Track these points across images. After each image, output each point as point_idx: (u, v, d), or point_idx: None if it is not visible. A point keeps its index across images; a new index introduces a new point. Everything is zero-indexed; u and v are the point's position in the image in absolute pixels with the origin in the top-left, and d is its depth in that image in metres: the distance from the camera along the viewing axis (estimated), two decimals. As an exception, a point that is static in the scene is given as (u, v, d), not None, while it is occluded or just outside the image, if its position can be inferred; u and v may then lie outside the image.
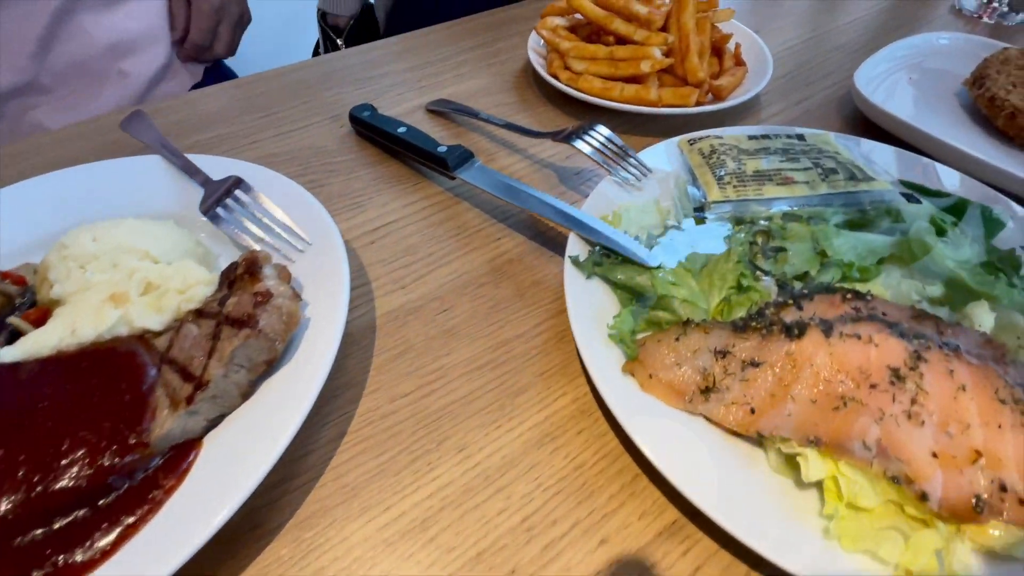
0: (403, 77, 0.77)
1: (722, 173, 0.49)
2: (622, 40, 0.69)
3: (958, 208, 0.47)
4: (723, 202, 0.47)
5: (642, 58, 0.66)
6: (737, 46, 0.74)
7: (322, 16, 1.28)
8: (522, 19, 0.90)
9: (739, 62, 0.73)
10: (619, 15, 0.69)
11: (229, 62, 1.20)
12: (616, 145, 0.54)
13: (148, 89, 0.89)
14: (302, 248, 0.46)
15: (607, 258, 0.45)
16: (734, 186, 0.48)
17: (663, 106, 0.65)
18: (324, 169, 0.62)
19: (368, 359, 0.45)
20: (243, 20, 0.96)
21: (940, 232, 0.45)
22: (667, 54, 0.68)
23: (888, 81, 0.71)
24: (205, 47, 0.90)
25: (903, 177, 0.53)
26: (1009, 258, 0.43)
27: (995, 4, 0.95)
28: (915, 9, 0.96)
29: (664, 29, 0.69)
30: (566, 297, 0.42)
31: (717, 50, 0.73)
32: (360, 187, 0.60)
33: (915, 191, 0.50)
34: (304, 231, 0.47)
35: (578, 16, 0.73)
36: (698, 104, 0.66)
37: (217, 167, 0.54)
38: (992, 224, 0.47)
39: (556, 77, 0.70)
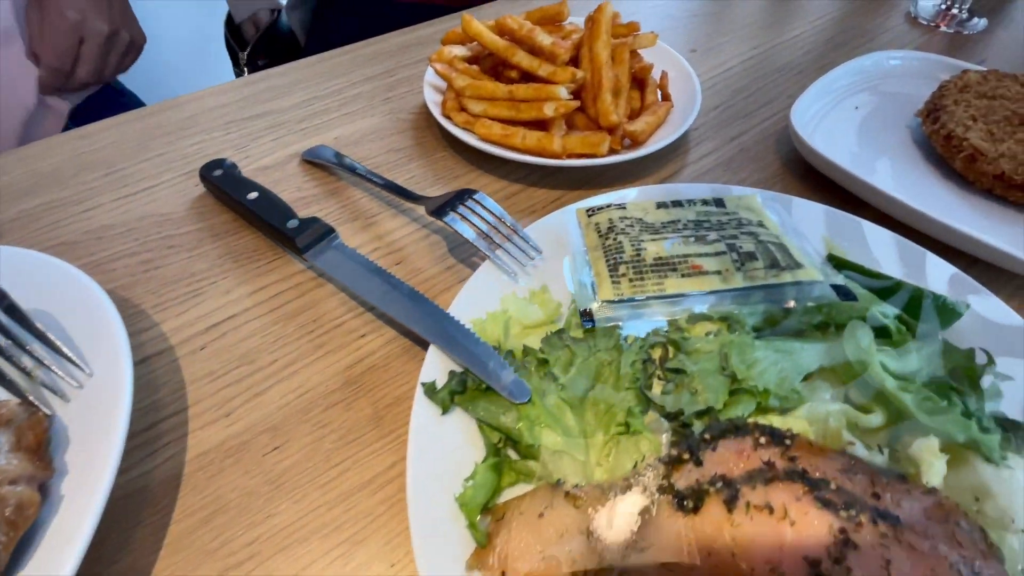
0: (285, 117, 0.66)
1: (619, 260, 0.40)
2: (528, 75, 0.59)
3: (912, 300, 0.39)
4: (617, 302, 0.38)
5: (545, 99, 0.56)
6: (663, 76, 0.65)
7: (229, 30, 1.16)
8: (431, 42, 0.80)
9: (665, 95, 0.63)
10: (521, 45, 0.59)
11: (139, 93, 1.08)
12: (500, 219, 0.45)
13: (14, 133, 0.77)
14: (78, 383, 0.36)
15: (471, 384, 0.35)
16: (630, 279, 0.39)
17: (570, 157, 0.56)
18: (164, 245, 0.52)
19: (163, 528, 0.35)
20: (120, 41, 0.84)
21: (883, 333, 0.37)
22: (577, 92, 0.59)
23: (833, 113, 0.63)
24: (63, 72, 0.78)
25: (839, 245, 0.45)
26: (966, 369, 0.35)
27: (954, 11, 0.87)
28: (867, 19, 0.87)
29: (576, 61, 0.60)
30: (408, 445, 0.33)
31: (640, 82, 0.64)
32: (203, 268, 0.50)
33: (850, 270, 0.41)
34: (87, 356, 0.37)
35: (480, 44, 0.64)
36: (612, 152, 0.57)
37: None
38: (947, 315, 0.39)
39: (451, 119, 0.60)
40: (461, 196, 0.46)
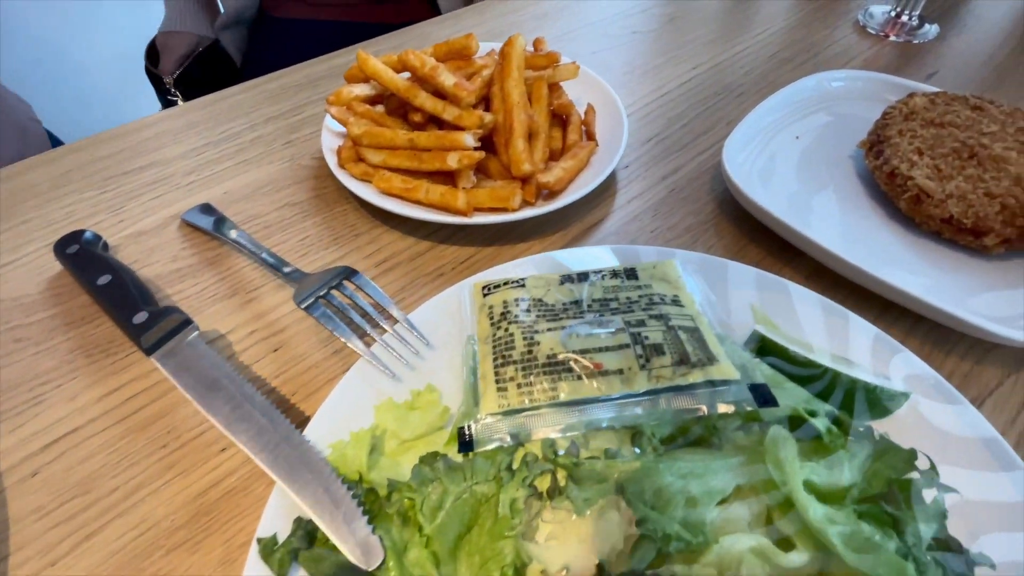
0: (171, 169, 0.59)
1: (508, 358, 0.34)
2: (435, 118, 0.53)
3: (848, 394, 0.34)
4: (502, 414, 0.32)
5: (449, 148, 0.50)
6: (588, 112, 0.59)
7: (150, 59, 1.08)
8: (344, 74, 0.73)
9: (590, 134, 0.58)
10: (424, 85, 0.53)
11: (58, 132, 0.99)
12: (380, 307, 0.39)
13: None
14: None
15: (320, 536, 0.29)
16: (519, 384, 0.33)
17: (479, 211, 0.50)
18: (9, 339, 0.45)
19: None
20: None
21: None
22: (489, 136, 0.53)
23: (772, 144, 0.58)
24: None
25: (768, 313, 0.40)
26: (900, 484, 0.30)
27: (903, 19, 0.83)
28: (814, 31, 0.82)
29: (489, 100, 0.54)
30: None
31: (563, 119, 0.58)
32: (49, 367, 0.43)
33: (777, 355, 0.36)
34: None
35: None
36: (526, 204, 0.51)
37: None
38: (879, 410, 0.34)
39: (348, 170, 0.54)
40: (338, 277, 0.40)
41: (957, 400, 0.35)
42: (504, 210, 0.49)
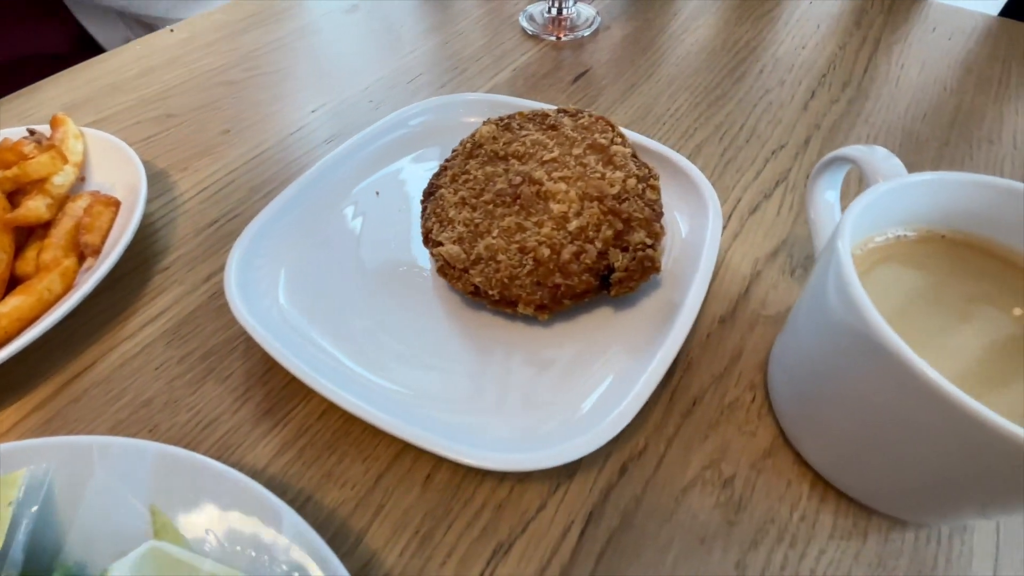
0: None
1: None
2: None
3: None
4: None
5: None
6: (89, 211, 0.45)
7: None
8: None
9: (89, 248, 0.43)
10: None
11: None
12: None
13: None
14: None
15: None
16: None
17: None
18: None
19: None
20: None
21: None
22: None
23: (362, 202, 0.47)
24: None
25: (167, 507, 0.28)
26: None
27: (563, 16, 0.76)
28: (469, 46, 0.73)
29: None
30: None
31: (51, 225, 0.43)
32: None
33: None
34: None
35: None
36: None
37: None
38: None
39: None
40: None
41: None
42: None
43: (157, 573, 0.26)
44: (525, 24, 0.76)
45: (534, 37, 0.74)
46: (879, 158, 0.32)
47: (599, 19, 0.76)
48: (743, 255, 0.45)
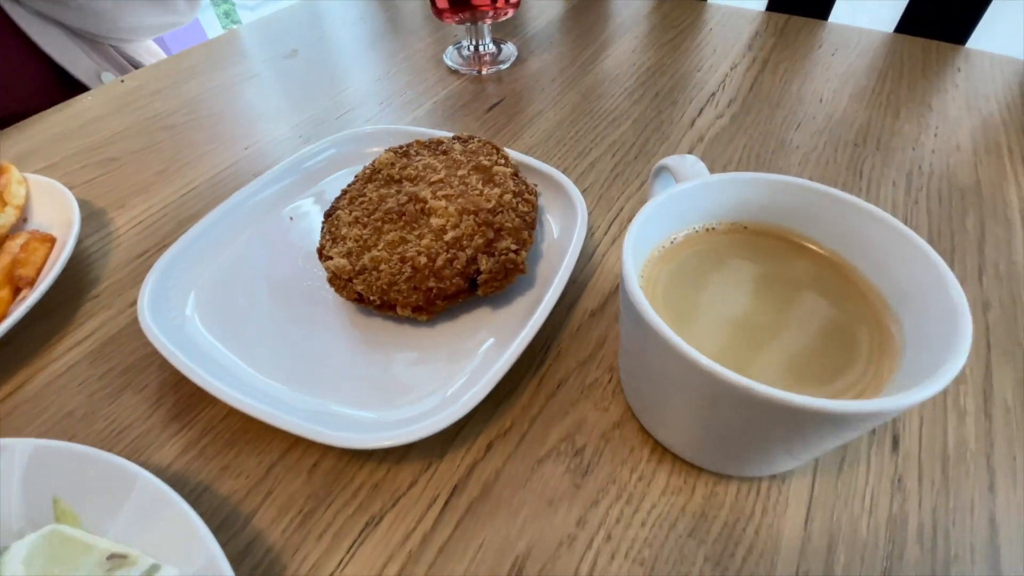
0: None
1: None
2: None
3: None
4: None
5: None
6: (31, 244, 0.50)
7: None
8: None
9: (23, 280, 0.48)
10: None
11: None
12: None
13: None
14: None
15: None
16: None
17: None
18: None
19: None
20: None
21: None
22: None
23: (276, 227, 0.52)
24: None
25: (72, 503, 0.32)
26: None
27: (482, 52, 0.83)
28: (395, 82, 0.80)
29: None
30: None
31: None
32: None
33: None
34: None
35: None
36: None
37: None
38: None
39: None
40: None
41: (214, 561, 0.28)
42: None
43: (55, 550, 0.30)
44: (449, 61, 0.83)
45: (455, 72, 0.81)
46: (688, 164, 0.37)
47: (516, 53, 0.83)
48: (618, 257, 0.50)
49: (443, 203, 0.45)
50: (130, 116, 0.75)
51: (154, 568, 0.29)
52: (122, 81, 0.84)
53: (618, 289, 0.48)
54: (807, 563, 0.32)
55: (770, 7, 0.93)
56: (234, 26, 0.91)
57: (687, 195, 0.35)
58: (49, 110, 0.78)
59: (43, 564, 0.29)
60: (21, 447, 0.34)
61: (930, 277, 0.29)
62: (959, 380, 0.40)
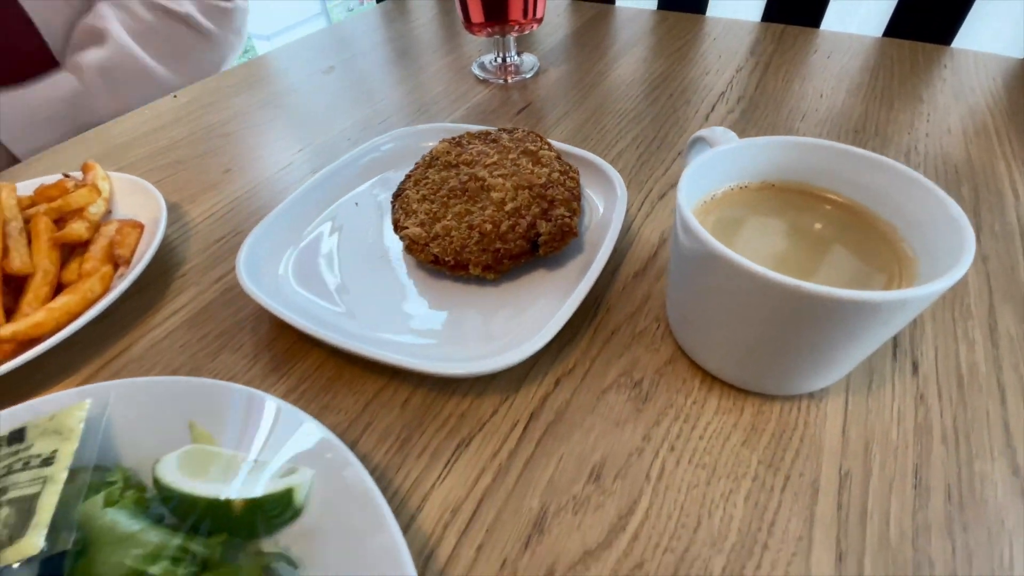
0: None
1: None
2: None
3: (240, 519, 0.30)
4: None
5: None
6: (120, 231, 0.55)
7: None
8: None
9: (120, 258, 0.53)
10: None
11: None
12: None
13: None
14: None
15: None
16: None
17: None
18: None
19: None
20: None
21: None
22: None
23: (343, 211, 0.57)
24: None
25: (206, 425, 0.36)
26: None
27: (508, 63, 0.91)
28: (425, 93, 0.87)
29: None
30: None
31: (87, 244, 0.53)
32: None
33: (172, 497, 0.32)
34: None
35: None
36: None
37: None
38: (282, 519, 0.31)
39: None
40: None
41: (348, 463, 0.33)
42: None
43: (196, 462, 0.34)
44: (477, 72, 0.90)
45: (484, 82, 0.88)
46: (719, 134, 0.43)
47: (538, 64, 0.91)
48: (652, 229, 0.56)
49: (500, 180, 0.51)
50: (187, 126, 0.82)
51: (291, 470, 0.33)
52: (175, 96, 0.91)
53: (654, 256, 0.53)
54: (848, 462, 0.37)
55: (765, 18, 1.01)
56: (259, 54, 0.99)
57: (724, 156, 0.41)
58: (108, 123, 0.84)
59: (192, 469, 0.34)
60: (151, 382, 0.38)
61: (935, 204, 0.35)
62: (966, 316, 0.46)
